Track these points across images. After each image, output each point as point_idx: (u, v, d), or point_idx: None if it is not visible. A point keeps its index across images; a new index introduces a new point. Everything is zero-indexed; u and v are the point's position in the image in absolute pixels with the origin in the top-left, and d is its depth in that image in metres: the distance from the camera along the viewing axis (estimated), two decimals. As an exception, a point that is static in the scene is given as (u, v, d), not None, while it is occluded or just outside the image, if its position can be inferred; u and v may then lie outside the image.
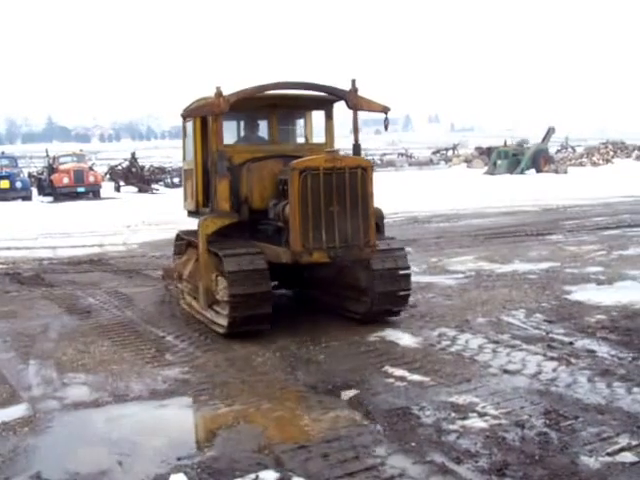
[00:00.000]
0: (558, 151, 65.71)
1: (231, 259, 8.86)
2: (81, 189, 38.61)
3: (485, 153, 64.23)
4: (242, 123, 11.01)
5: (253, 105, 10.05)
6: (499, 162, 52.77)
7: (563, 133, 72.35)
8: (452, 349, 8.45)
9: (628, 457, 5.48)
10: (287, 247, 8.80)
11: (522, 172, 50.51)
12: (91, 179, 39.04)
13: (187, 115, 10.19)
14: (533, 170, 51.12)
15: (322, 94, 9.98)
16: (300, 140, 11.16)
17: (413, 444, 5.84)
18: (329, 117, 10.73)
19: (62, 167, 39.63)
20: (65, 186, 38.55)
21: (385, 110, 10.13)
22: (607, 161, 58.01)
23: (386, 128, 10.29)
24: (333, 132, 10.74)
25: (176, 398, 7.18)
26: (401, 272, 9.51)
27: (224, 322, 9.11)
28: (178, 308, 11.04)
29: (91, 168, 42.15)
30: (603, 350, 8.14)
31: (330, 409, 6.69)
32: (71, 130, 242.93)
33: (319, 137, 10.86)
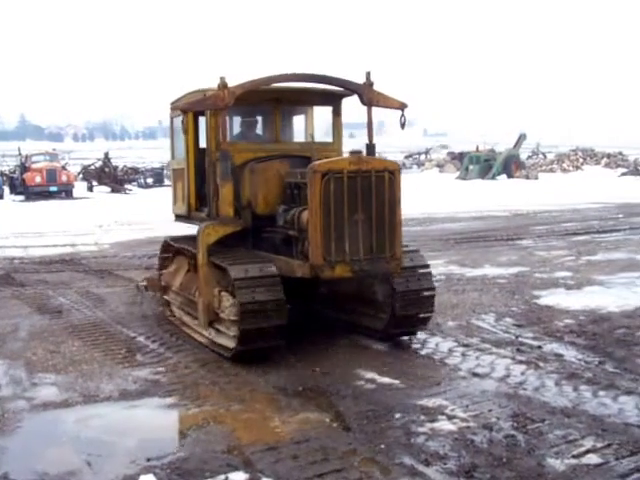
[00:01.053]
0: (529, 157, 66.25)
1: (237, 267, 7.93)
2: (53, 188, 38.34)
3: (457, 158, 64.62)
4: (241, 119, 9.97)
5: (255, 99, 9.10)
6: (471, 167, 53.12)
7: (534, 140, 72.94)
8: (422, 352, 8.49)
9: (593, 459, 5.53)
10: (303, 259, 7.96)
11: (494, 177, 50.86)
12: (64, 178, 38.77)
13: (186, 109, 8.97)
14: (504, 175, 51.49)
15: (331, 88, 9.11)
16: (300, 138, 10.18)
17: (382, 446, 5.86)
18: (337, 114, 9.81)
19: (35, 166, 39.34)
20: (37, 185, 38.27)
21: (402, 107, 9.19)
22: (577, 168, 58.57)
23: (402, 127, 9.21)
24: (341, 130, 9.86)
25: (146, 399, 7.14)
26: (425, 293, 8.58)
27: (229, 343, 8.16)
28: (150, 309, 10.99)
29: (64, 167, 41.83)
30: (570, 354, 8.22)
31: (300, 411, 6.69)
32: (44, 129, 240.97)
33: (319, 134, 10.05)
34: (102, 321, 10.33)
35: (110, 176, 45.24)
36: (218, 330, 8.53)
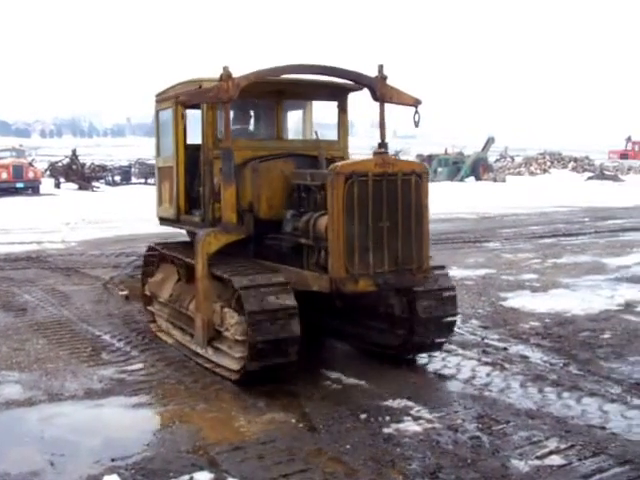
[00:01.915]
0: (497, 160, 66.68)
1: (251, 293, 7.04)
2: (20, 185, 37.84)
3: (426, 160, 64.87)
4: (238, 113, 9.13)
5: (255, 92, 8.24)
6: (440, 169, 53.29)
7: (503, 143, 73.48)
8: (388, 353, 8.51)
9: (556, 460, 5.60)
10: (319, 271, 7.26)
11: (462, 180, 51.11)
12: (30, 175, 38.29)
13: (185, 101, 8.04)
14: (472, 178, 51.78)
15: (337, 81, 8.44)
16: (292, 134, 9.57)
17: (348, 447, 5.87)
18: (343, 109, 9.06)
19: (1, 162, 38.81)
20: (3, 181, 37.73)
21: (417, 103, 8.47)
22: (544, 171, 59.04)
23: (417, 125, 8.47)
24: (347, 127, 9.15)
25: (112, 398, 7.09)
26: (446, 294, 7.92)
27: (233, 364, 7.42)
28: (116, 307, 10.90)
29: (31, 164, 41.34)
30: (536, 356, 8.30)
31: (266, 411, 6.69)
32: (11, 125, 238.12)
33: (319, 130, 9.35)
34: (68, 319, 10.23)
35: (78, 173, 44.79)
36: (218, 349, 7.76)
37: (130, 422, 6.58)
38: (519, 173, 60.21)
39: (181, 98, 8.01)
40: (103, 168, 49.16)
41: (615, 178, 48.78)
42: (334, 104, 9.07)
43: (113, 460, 5.63)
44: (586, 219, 24.03)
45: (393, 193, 7.11)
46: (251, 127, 9.46)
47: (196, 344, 8.08)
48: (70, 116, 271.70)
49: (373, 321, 8.41)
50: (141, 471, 5.47)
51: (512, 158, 67.33)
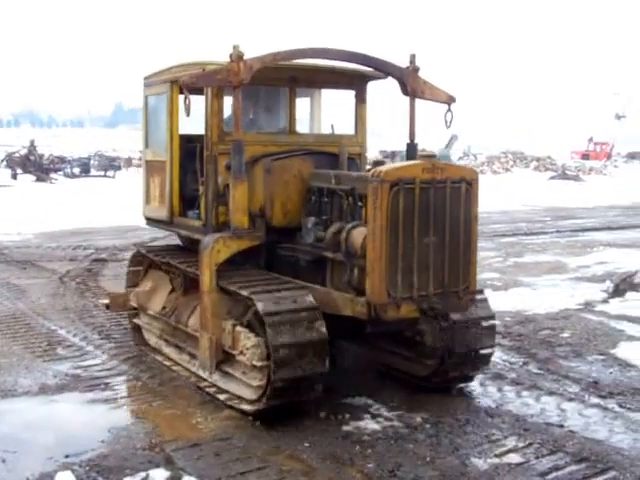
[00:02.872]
0: (460, 158, 67.12)
1: (278, 320, 6.14)
2: (-26, 175, 37.32)
3: (390, 157, 65.07)
4: (245, 102, 7.69)
5: (264, 78, 7.24)
6: (403, 166, 53.51)
7: (466, 141, 74.01)
8: (349, 350, 8.51)
9: (514, 458, 5.67)
10: (351, 292, 6.37)
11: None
12: (-14, 165, 37.78)
13: (189, 84, 6.69)
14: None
15: (357, 69, 7.66)
16: (298, 128, 8.28)
17: (306, 444, 5.88)
18: (361, 100, 8.12)
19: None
20: (-43, 172, 37.19)
21: (451, 100, 7.81)
22: (507, 170, 59.57)
23: (449, 124, 7.75)
24: (365, 121, 8.19)
25: (66, 394, 7.02)
26: (485, 351, 7.14)
27: (248, 393, 6.55)
28: (73, 302, 10.78)
29: (-14, 154, 40.78)
30: (496, 355, 8.34)
31: (223, 407, 6.66)
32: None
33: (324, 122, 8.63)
34: (23, 313, 10.10)
35: (35, 164, 44.28)
36: (227, 374, 6.87)
37: (85, 418, 6.51)
38: (481, 172, 60.64)
39: (185, 79, 6.75)
40: (62, 160, 48.61)
41: (577, 178, 49.34)
42: (351, 93, 8.15)
43: (67, 457, 5.58)
44: (548, 218, 24.29)
45: (441, 203, 6.19)
46: (260, 119, 8.56)
47: (200, 367, 7.14)
48: (28, 106, 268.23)
49: (397, 347, 7.47)
50: (95, 468, 5.42)
51: (475, 156, 67.81)
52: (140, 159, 61.10)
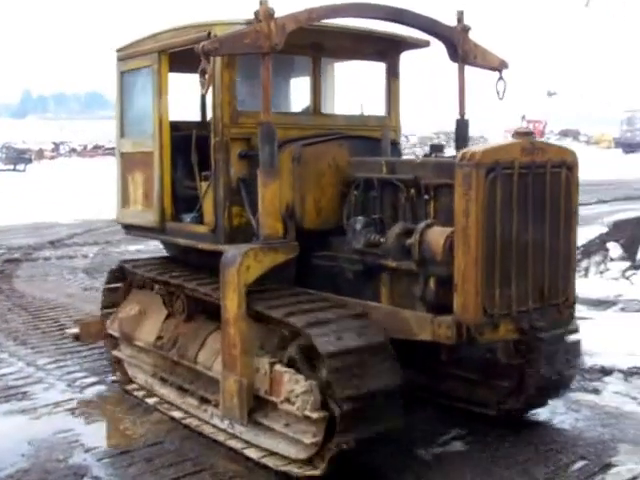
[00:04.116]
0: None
1: (345, 365, 4.97)
2: None
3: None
4: (253, 75, 6.43)
5: (284, 45, 5.69)
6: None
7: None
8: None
9: (457, 446, 5.78)
10: (429, 310, 5.22)
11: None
12: None
13: (211, 51, 5.42)
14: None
15: (390, 34, 6.75)
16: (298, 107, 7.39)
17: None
18: (394, 74, 7.11)
19: None
20: None
21: (502, 66, 6.84)
22: (439, 150, 60.32)
23: (501, 95, 6.76)
24: (399, 99, 7.20)
25: (-18, 405, 6.83)
26: (570, 372, 6.23)
27: (298, 453, 5.32)
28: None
29: None
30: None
31: (153, 411, 6.57)
32: None
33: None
34: None
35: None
36: (260, 425, 5.61)
37: (2, 431, 6.31)
38: (414, 153, 61.27)
39: (206, 46, 5.38)
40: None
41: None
42: (382, 66, 7.12)
43: (-16, 474, 5.42)
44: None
45: (540, 194, 5.08)
46: (276, 97, 7.00)
47: (223, 416, 5.88)
48: None
49: (457, 368, 6.33)
50: (16, 484, 5.29)
51: (407, 137, 68.40)
52: (55, 151, 60.18)
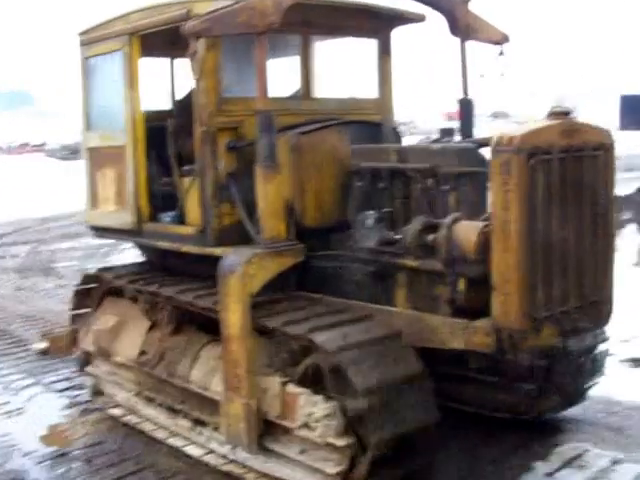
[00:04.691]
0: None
1: (352, 353, 4.61)
2: None
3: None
4: (237, 57, 6.26)
5: None
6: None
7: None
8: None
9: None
10: (458, 315, 4.70)
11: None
12: None
13: (201, 31, 5.01)
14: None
15: (382, 8, 6.35)
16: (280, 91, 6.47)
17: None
18: (386, 52, 6.58)
19: None
20: None
21: (504, 40, 6.29)
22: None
23: (503, 73, 6.21)
24: (391, 79, 6.65)
25: None
26: (594, 381, 5.92)
27: None
28: None
29: None
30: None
31: (92, 410, 6.51)
32: None
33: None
34: None
35: None
36: (271, 452, 5.09)
37: None
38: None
39: (194, 26, 4.97)
40: None
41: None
42: (373, 43, 6.60)
43: None
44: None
45: (578, 180, 4.52)
46: (244, 80, 6.45)
47: (228, 442, 5.34)
48: None
49: (471, 371, 5.69)
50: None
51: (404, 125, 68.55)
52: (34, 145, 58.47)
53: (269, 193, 5.10)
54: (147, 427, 6.04)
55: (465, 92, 6.36)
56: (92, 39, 6.60)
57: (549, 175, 4.31)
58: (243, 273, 4.91)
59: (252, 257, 4.98)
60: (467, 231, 4.53)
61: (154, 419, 6.08)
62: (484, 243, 4.41)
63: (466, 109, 6.39)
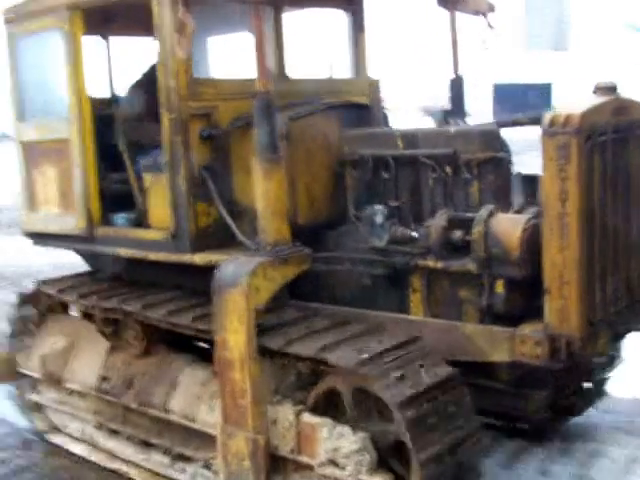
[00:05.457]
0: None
1: (418, 416, 3.82)
2: None
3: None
4: (209, 37, 6.03)
5: None
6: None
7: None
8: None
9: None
10: (488, 321, 4.21)
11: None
12: None
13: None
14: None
15: None
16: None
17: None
18: (360, 27, 5.97)
19: None
20: None
21: (490, 9, 5.79)
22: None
23: (488, 45, 5.78)
24: (365, 55, 6.01)
25: None
26: (604, 387, 5.74)
27: None
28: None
29: None
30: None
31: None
32: None
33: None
34: None
35: None
36: None
37: None
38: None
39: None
40: None
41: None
42: (344, 17, 6.03)
43: None
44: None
45: (626, 163, 4.05)
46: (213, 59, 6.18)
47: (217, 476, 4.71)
48: None
49: (491, 380, 5.08)
50: None
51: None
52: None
53: (271, 190, 4.34)
54: (109, 463, 5.39)
55: (456, 70, 5.84)
56: (21, 15, 5.77)
57: (604, 159, 3.81)
58: (248, 286, 4.16)
59: (257, 267, 4.22)
60: (508, 226, 3.99)
61: (116, 453, 5.41)
62: (529, 239, 3.91)
63: (457, 88, 5.89)
